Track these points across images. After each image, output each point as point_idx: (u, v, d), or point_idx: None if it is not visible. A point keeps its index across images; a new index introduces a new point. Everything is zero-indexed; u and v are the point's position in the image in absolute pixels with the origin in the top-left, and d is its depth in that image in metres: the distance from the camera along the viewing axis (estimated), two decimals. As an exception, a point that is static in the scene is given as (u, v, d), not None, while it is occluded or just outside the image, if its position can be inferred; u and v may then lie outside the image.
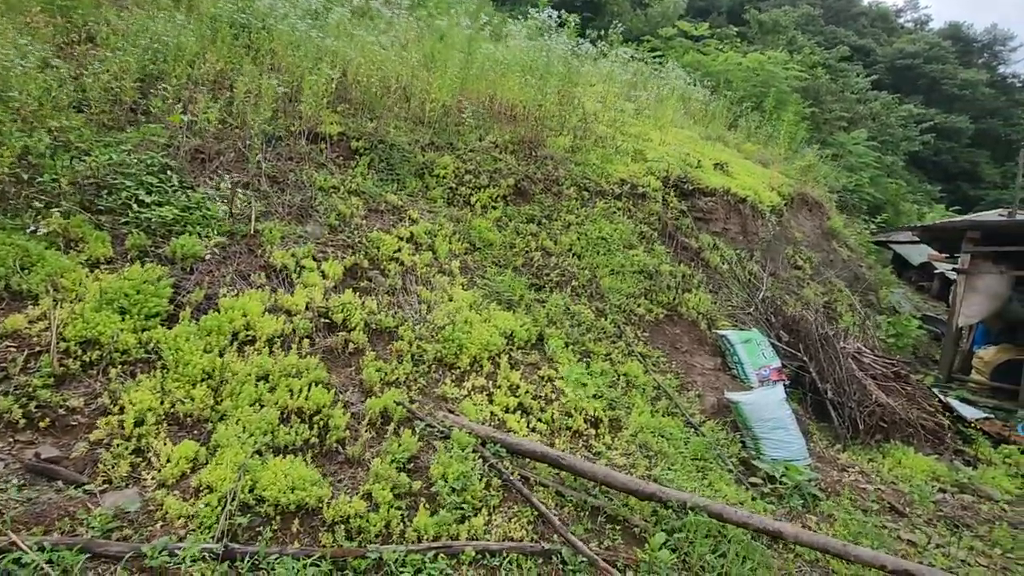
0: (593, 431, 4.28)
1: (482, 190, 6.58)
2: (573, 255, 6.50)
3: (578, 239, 6.65)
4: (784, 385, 5.86)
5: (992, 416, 7.65)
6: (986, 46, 60.81)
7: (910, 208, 28.30)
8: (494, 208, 6.52)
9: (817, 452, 5.27)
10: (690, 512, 3.30)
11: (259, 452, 2.87)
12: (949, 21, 63.57)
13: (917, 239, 13.89)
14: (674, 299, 6.45)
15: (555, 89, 8.33)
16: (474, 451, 3.40)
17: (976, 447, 6.00)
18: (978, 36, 61.56)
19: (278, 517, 2.63)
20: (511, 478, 3.31)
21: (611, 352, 5.38)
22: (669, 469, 4.17)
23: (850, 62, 38.52)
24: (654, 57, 17.28)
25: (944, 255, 12.37)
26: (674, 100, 13.87)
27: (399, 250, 5.19)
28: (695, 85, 15.53)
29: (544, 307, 5.47)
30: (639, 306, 6.15)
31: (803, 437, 5.02)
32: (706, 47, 24.25)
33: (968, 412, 7.82)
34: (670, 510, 3.36)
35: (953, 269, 10.15)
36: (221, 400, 3.14)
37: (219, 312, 3.64)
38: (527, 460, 3.58)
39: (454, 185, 6.49)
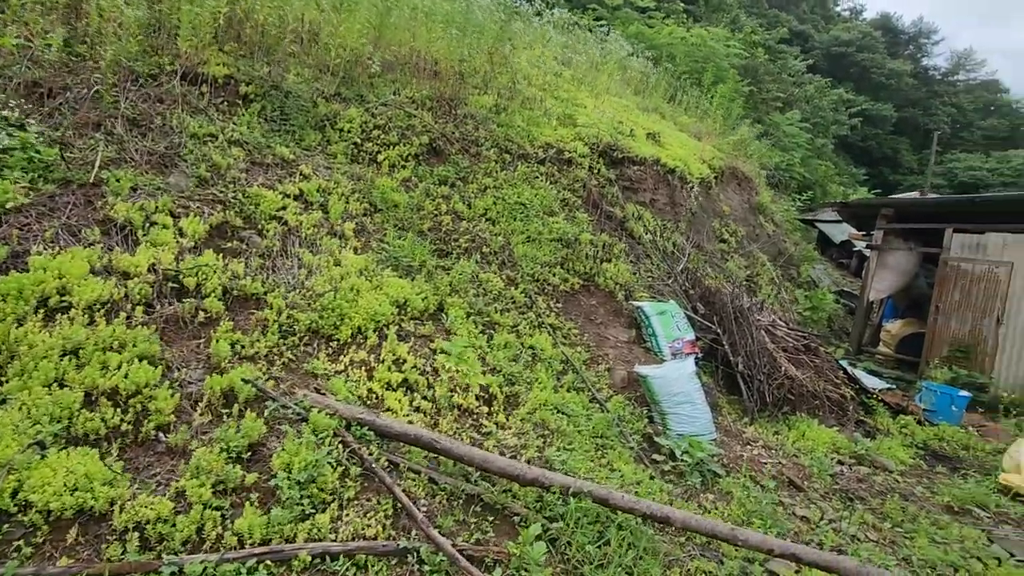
0: (485, 409, 3.91)
1: (391, 147, 5.99)
2: (488, 220, 6.04)
3: (495, 204, 6.19)
4: (697, 358, 5.68)
5: (894, 387, 7.88)
6: (912, 38, 63.52)
7: (836, 189, 29.40)
8: (403, 167, 5.95)
9: (725, 426, 5.13)
10: (574, 498, 2.99)
11: (41, 444, 2.31)
12: (881, 12, 66.00)
13: (840, 219, 14.29)
14: (592, 269, 6.13)
15: (485, 47, 7.74)
16: (335, 435, 2.94)
17: (876, 418, 6.07)
18: (906, 28, 64.17)
19: (47, 526, 2.09)
20: (374, 466, 2.88)
21: (519, 323, 5.00)
22: (565, 449, 3.87)
23: (789, 45, 39.28)
24: (600, 26, 16.79)
25: (862, 233, 12.75)
26: (612, 67, 13.46)
27: (283, 208, 4.57)
28: (637, 57, 15.17)
29: (448, 275, 5.01)
30: (554, 275, 5.80)
31: (710, 411, 4.85)
32: (651, 19, 23.90)
33: (872, 383, 8.01)
34: (556, 496, 3.04)
35: (867, 246, 10.40)
36: (6, 380, 2.53)
37: (28, 272, 2.98)
38: (400, 444, 3.16)
39: (359, 141, 5.86)
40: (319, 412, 2.98)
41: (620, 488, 3.56)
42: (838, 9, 66.22)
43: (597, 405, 4.54)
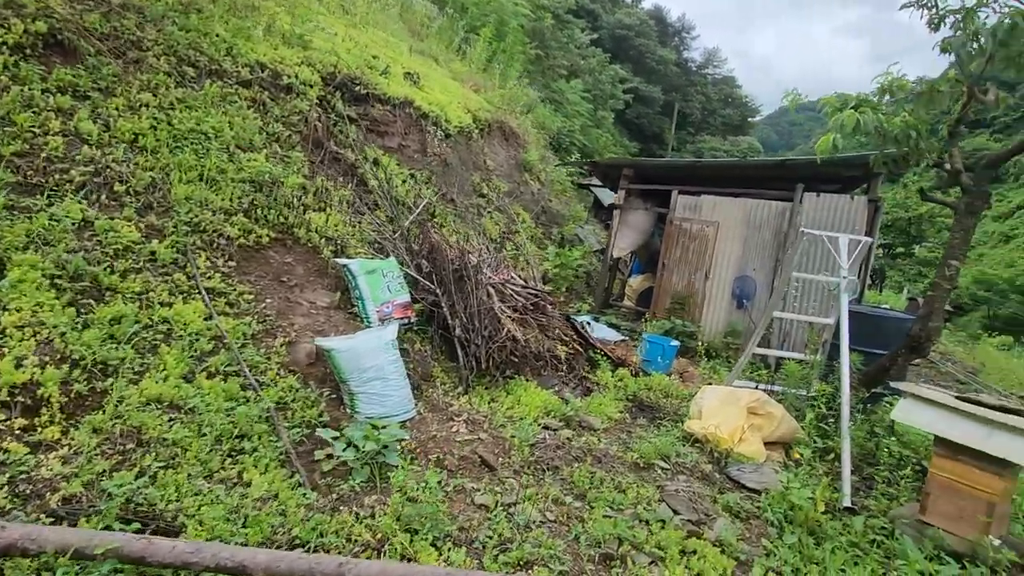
0: (23, 421, 2.54)
1: (-37, 28, 3.93)
2: (139, 150, 4.39)
3: (153, 129, 4.53)
4: (409, 322, 4.92)
5: (627, 339, 8.28)
6: (677, 31, 71.92)
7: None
8: (-13, 61, 3.95)
9: (433, 400, 4.47)
10: (93, 562, 1.89)
11: None
12: (655, 4, 73.63)
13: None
14: (293, 219, 4.92)
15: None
16: None
17: (599, 373, 6.08)
18: (672, 22, 72.45)
19: None
20: None
21: (152, 289, 3.61)
22: (168, 465, 2.72)
23: (577, 17, 41.02)
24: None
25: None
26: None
27: None
28: (424, -1, 13.79)
29: (30, 221, 3.37)
30: (233, 226, 4.45)
31: (408, 386, 4.11)
32: (444, -37, 22.38)
33: (610, 335, 8.31)
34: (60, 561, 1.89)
35: (610, 205, 10.92)
36: None
37: None
38: None
39: None
40: None
41: (232, 513, 2.56)
42: (622, -6, 71.68)
43: (252, 393, 3.45)
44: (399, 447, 3.60)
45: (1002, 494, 3.16)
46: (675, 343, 6.91)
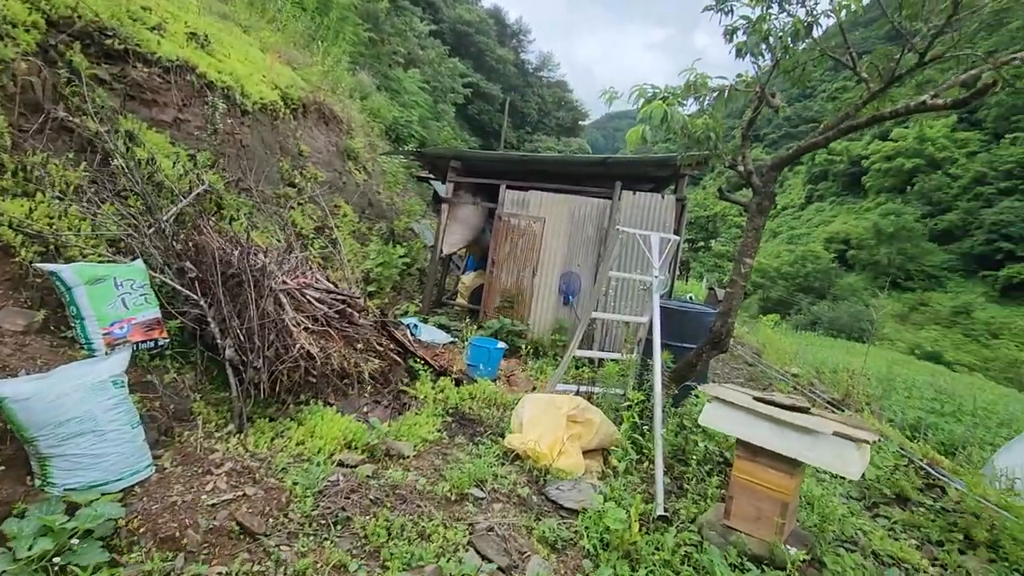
0: None
1: None
2: None
3: None
4: (158, 346, 3.78)
5: (457, 340, 7.78)
6: (515, 33, 74.05)
7: (452, 152, 31.34)
8: None
9: (187, 448, 3.43)
10: None
11: None
12: (494, 4, 74.90)
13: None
14: (-33, 208, 3.45)
15: None
16: None
17: (419, 385, 5.44)
18: (511, 23, 74.42)
19: None
20: None
21: None
22: None
23: (415, 6, 39.76)
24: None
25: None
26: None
27: None
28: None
29: None
30: None
31: (140, 435, 3.04)
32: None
33: (438, 338, 7.73)
34: None
35: (436, 199, 10.36)
36: None
37: None
38: None
39: None
40: None
41: None
42: (462, -9, 71.69)
43: None
44: (109, 530, 2.56)
45: (792, 492, 3.19)
46: (501, 345, 6.55)
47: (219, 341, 3.89)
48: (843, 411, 6.59)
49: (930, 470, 5.08)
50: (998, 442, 10.18)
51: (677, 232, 8.00)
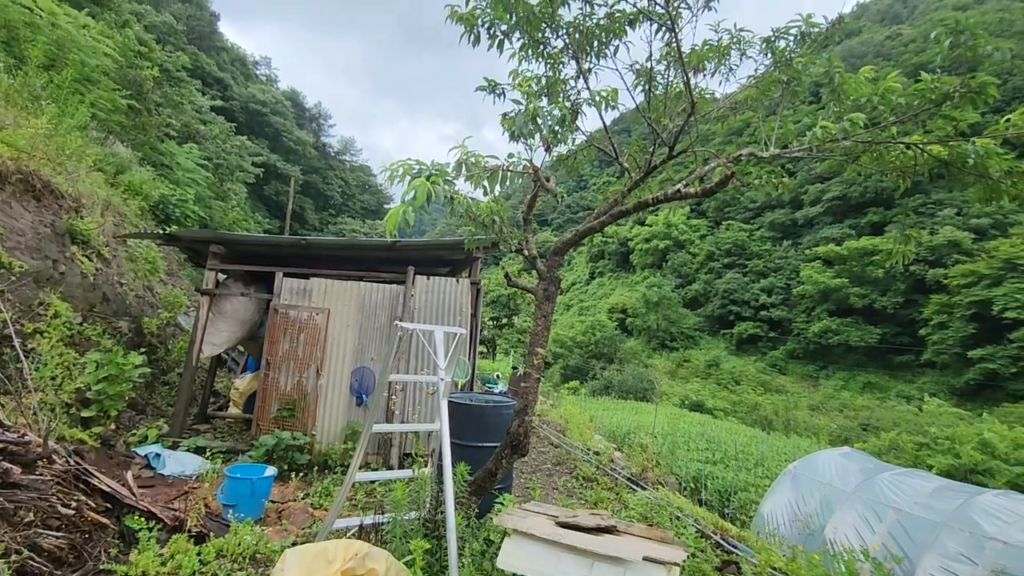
0: None
1: None
2: None
3: None
4: None
5: (217, 466, 6.05)
6: (314, 117, 73.09)
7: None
8: None
9: None
10: None
11: None
12: (291, 86, 73.42)
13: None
14: None
15: None
16: None
17: (136, 555, 3.80)
18: (309, 107, 73.44)
19: None
20: None
21: None
22: None
23: (195, 78, 36.59)
24: None
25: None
26: None
27: None
28: None
29: None
30: None
31: None
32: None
33: (189, 466, 5.95)
34: None
35: (197, 289, 8.65)
36: None
37: None
38: None
39: None
40: None
41: None
42: (258, 72, 69.34)
43: None
44: None
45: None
46: (270, 472, 5.17)
47: None
48: (644, 488, 6.62)
49: (722, 542, 5.13)
50: (758, 483, 11.61)
51: (475, 315, 7.66)
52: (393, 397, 6.63)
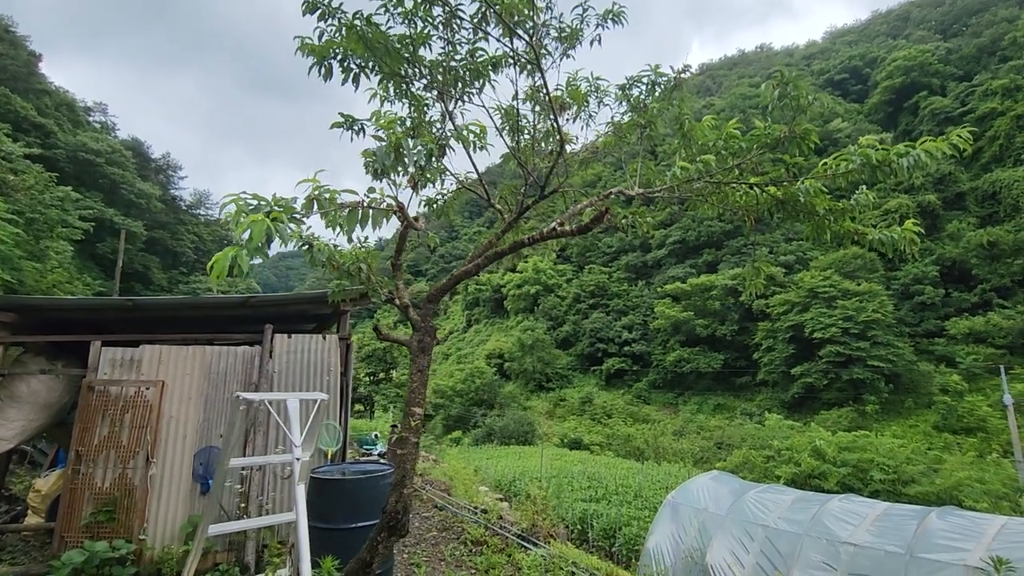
0: None
1: None
2: None
3: None
4: None
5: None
6: (161, 168, 65.77)
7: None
8: None
9: None
10: None
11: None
12: (132, 135, 65.60)
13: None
14: None
15: None
16: None
17: None
18: (156, 157, 65.95)
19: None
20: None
21: None
22: None
23: (3, 123, 31.32)
24: None
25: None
26: None
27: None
28: None
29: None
30: None
31: None
32: None
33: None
34: None
35: None
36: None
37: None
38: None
39: None
40: None
41: None
42: (90, 118, 61.33)
43: None
44: None
45: None
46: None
47: None
48: (536, 544, 6.19)
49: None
50: (639, 515, 11.76)
51: (345, 374, 6.85)
52: (241, 484, 5.53)
